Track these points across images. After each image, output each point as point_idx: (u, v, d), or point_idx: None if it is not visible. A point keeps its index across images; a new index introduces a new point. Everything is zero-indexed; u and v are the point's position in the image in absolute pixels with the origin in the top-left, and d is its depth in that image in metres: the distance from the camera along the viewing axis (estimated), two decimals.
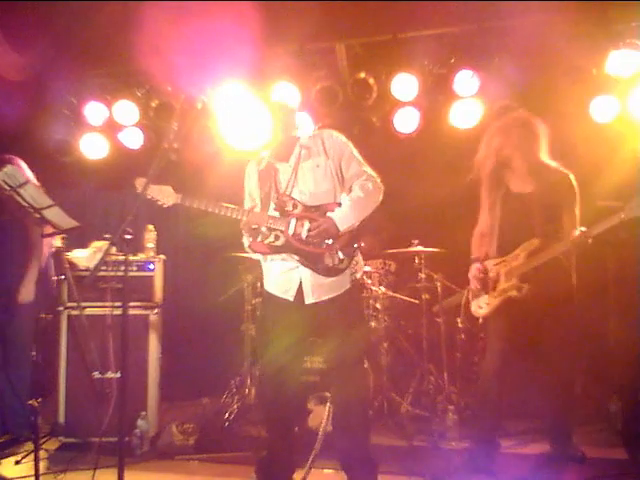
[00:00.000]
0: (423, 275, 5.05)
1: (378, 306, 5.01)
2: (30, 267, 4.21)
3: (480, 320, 3.89)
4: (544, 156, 3.73)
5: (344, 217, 3.28)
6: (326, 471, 3.76)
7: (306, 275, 3.31)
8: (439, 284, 5.00)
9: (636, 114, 4.76)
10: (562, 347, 3.65)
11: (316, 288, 3.30)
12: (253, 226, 3.37)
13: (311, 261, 3.31)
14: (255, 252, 3.49)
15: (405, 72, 5.09)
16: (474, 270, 3.88)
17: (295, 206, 3.37)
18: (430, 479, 3.56)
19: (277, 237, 3.37)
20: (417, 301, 5.05)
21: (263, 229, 3.37)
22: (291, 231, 3.34)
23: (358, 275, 3.39)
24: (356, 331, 3.35)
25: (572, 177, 3.68)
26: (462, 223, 5.43)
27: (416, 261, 5.13)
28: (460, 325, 4.93)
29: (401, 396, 4.84)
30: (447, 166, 5.39)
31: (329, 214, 3.29)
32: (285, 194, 3.40)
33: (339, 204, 3.35)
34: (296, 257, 3.32)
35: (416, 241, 5.05)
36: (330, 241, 3.29)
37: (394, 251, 5.13)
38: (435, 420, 4.55)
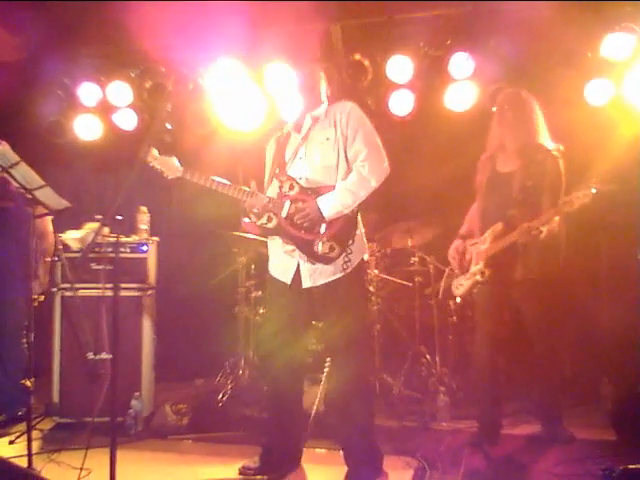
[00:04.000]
0: (416, 258, 5.07)
1: (371, 289, 5.02)
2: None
3: (458, 300, 3.99)
4: (539, 136, 3.70)
5: (329, 203, 3.21)
6: (318, 450, 3.79)
7: (303, 259, 3.29)
8: (432, 267, 5.02)
9: (631, 97, 4.75)
10: (543, 329, 3.70)
11: (312, 272, 3.28)
12: (254, 209, 3.35)
13: (301, 246, 3.27)
14: (248, 232, 3.49)
15: (400, 54, 5.06)
16: (453, 245, 3.96)
17: (292, 187, 3.30)
18: (421, 459, 3.59)
19: (270, 219, 3.33)
20: (410, 284, 5.07)
21: (255, 210, 3.34)
22: (284, 214, 3.30)
23: (353, 264, 3.28)
24: (353, 316, 3.31)
25: (561, 162, 3.66)
26: (457, 206, 5.45)
27: (409, 244, 5.13)
28: (452, 307, 4.96)
29: (393, 377, 4.87)
30: (442, 149, 5.40)
31: (317, 199, 3.24)
32: (282, 173, 3.35)
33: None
34: (287, 242, 3.30)
35: (410, 224, 5.06)
36: (322, 228, 3.24)
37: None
38: (426, 401, 4.59)
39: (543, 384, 3.84)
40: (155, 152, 3.36)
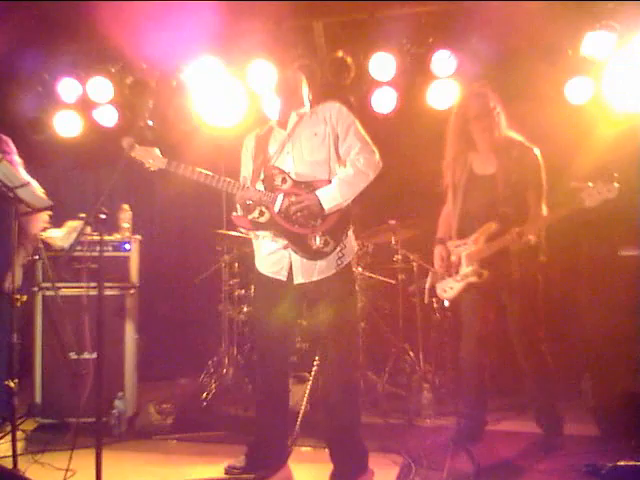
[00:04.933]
0: (399, 256, 5.08)
1: (355, 287, 5.03)
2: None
3: (446, 303, 3.90)
4: (505, 129, 3.67)
5: (329, 195, 3.20)
6: (304, 449, 3.79)
7: (296, 254, 3.27)
8: (415, 265, 5.04)
9: (610, 96, 4.80)
10: (528, 328, 3.65)
11: (305, 268, 3.26)
12: (247, 202, 3.31)
13: (294, 241, 3.24)
14: (238, 226, 3.47)
15: (383, 51, 5.07)
16: (436, 252, 3.89)
17: (284, 180, 3.28)
18: (406, 455, 3.61)
19: (262, 213, 3.29)
20: (394, 281, 5.09)
21: (249, 202, 3.30)
22: (277, 208, 3.26)
23: (346, 260, 3.29)
24: (343, 314, 3.31)
25: (537, 151, 3.64)
26: (439, 204, 5.48)
27: (392, 242, 5.15)
28: (435, 305, 4.99)
29: (377, 375, 4.89)
30: (424, 147, 5.40)
31: (316, 192, 3.22)
32: (274, 166, 3.32)
33: (330, 182, 3.26)
34: (279, 236, 3.28)
35: (393, 221, 5.07)
36: (318, 222, 3.22)
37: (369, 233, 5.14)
38: (410, 398, 4.61)
39: (535, 392, 3.77)
40: (134, 142, 3.19)
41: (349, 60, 5.16)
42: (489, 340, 3.79)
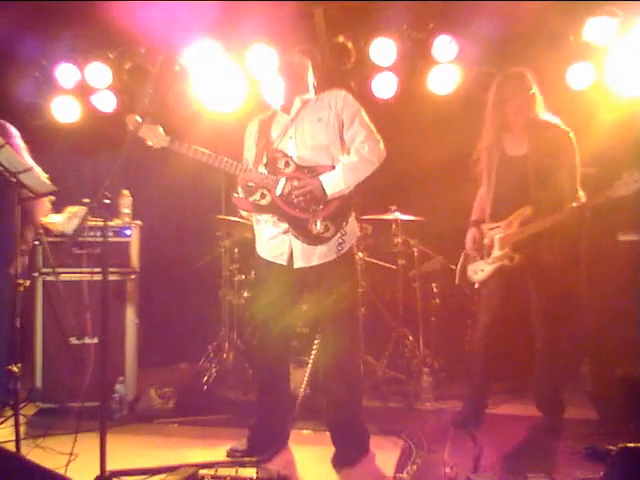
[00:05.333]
0: (399, 240, 5.08)
1: (357, 272, 5.03)
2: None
3: (476, 285, 3.87)
4: (542, 111, 3.63)
5: (333, 180, 3.21)
6: (305, 432, 3.82)
7: (297, 239, 3.27)
8: (415, 250, 5.04)
9: (611, 82, 4.79)
10: (550, 318, 3.64)
11: (306, 253, 3.27)
12: (249, 184, 3.31)
13: (294, 226, 3.25)
14: (239, 208, 3.46)
15: (384, 36, 5.05)
16: (470, 234, 3.87)
17: (287, 164, 3.28)
18: (406, 438, 3.63)
19: (263, 195, 3.29)
20: (394, 266, 5.09)
21: (250, 184, 3.29)
22: (279, 191, 3.26)
23: (347, 246, 3.30)
24: (344, 299, 3.31)
25: (572, 134, 3.58)
26: (439, 189, 5.48)
27: (393, 227, 5.15)
28: (435, 290, 5.01)
29: (377, 359, 4.91)
30: (425, 132, 5.42)
31: (319, 177, 3.22)
32: (277, 149, 3.32)
33: (334, 167, 3.26)
34: (279, 220, 3.27)
35: (394, 207, 5.07)
36: (319, 207, 3.23)
37: (370, 217, 5.13)
38: (410, 382, 4.64)
39: (544, 376, 3.72)
40: (138, 119, 3.15)
41: (350, 45, 5.13)
42: (497, 327, 3.79)
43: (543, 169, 3.55)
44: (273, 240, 3.37)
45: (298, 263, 3.28)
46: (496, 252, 3.69)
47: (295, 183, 3.25)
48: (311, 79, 3.51)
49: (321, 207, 3.24)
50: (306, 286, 3.42)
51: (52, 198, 4.20)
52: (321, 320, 3.45)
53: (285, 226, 3.29)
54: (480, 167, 3.87)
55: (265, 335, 3.51)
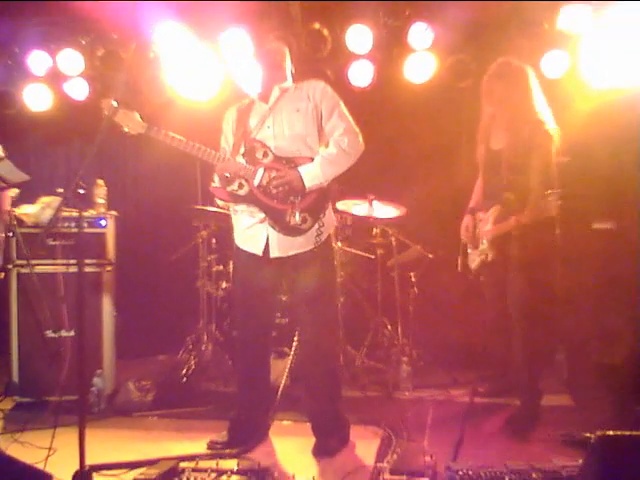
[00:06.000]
0: (378, 230, 5.09)
1: (334, 261, 5.03)
2: None
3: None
4: (530, 109, 3.54)
5: (312, 173, 3.20)
6: (285, 423, 3.83)
7: (274, 229, 3.26)
8: (393, 239, 5.05)
9: (585, 71, 4.82)
10: (523, 313, 3.62)
11: (282, 243, 3.26)
12: (226, 174, 3.28)
13: (272, 216, 3.24)
14: (216, 197, 3.44)
15: (359, 24, 5.02)
16: (464, 221, 3.93)
17: (266, 154, 3.26)
18: (386, 428, 3.66)
19: (241, 185, 3.28)
20: (373, 256, 5.10)
21: (227, 175, 3.27)
22: (257, 182, 3.25)
23: (324, 236, 3.31)
24: (322, 289, 3.32)
25: (553, 132, 3.50)
26: (417, 177, 5.50)
27: (370, 215, 5.14)
28: (413, 279, 5.03)
29: (356, 349, 4.93)
30: (401, 120, 5.42)
31: (298, 168, 3.21)
32: (256, 139, 3.30)
33: (312, 159, 3.25)
34: (257, 210, 3.26)
35: (372, 196, 5.06)
36: (298, 198, 3.22)
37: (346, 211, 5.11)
38: (389, 371, 4.65)
39: (521, 365, 3.71)
40: (114, 103, 3.05)
41: (325, 32, 5.09)
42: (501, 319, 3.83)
43: (515, 167, 3.53)
44: (249, 230, 3.35)
45: (274, 253, 3.28)
46: (481, 245, 3.74)
47: (274, 174, 3.23)
48: (289, 67, 3.48)
49: (299, 199, 3.23)
50: (283, 276, 3.41)
51: (14, 190, 4.12)
52: (299, 309, 3.45)
53: (262, 216, 3.28)
54: (478, 155, 3.89)
55: (244, 326, 3.50)
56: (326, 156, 3.26)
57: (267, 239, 3.29)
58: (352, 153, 3.29)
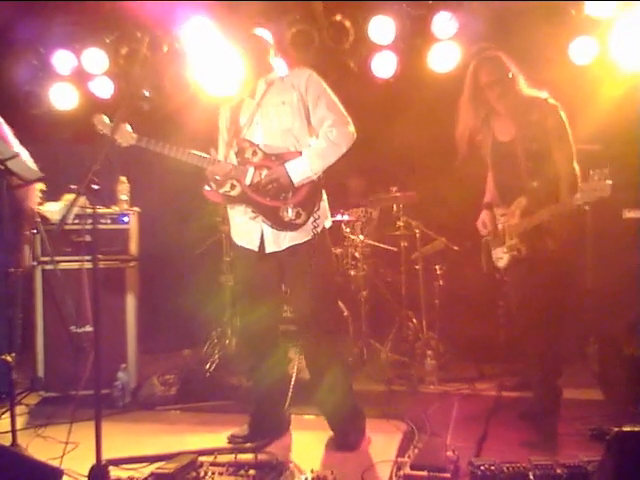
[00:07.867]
0: (401, 223, 5.03)
1: (357, 255, 4.99)
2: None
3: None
4: (525, 89, 3.41)
5: (299, 168, 3.16)
6: (306, 417, 3.80)
7: (268, 225, 3.24)
8: (418, 232, 4.99)
9: (615, 56, 4.69)
10: (542, 305, 3.43)
11: (276, 237, 3.24)
12: (216, 176, 3.28)
13: (266, 214, 3.22)
14: (210, 201, 3.44)
15: (382, 14, 4.96)
16: (480, 217, 3.76)
17: (255, 153, 3.24)
18: (409, 422, 3.60)
19: (233, 186, 3.28)
20: (396, 249, 5.04)
21: (217, 178, 3.26)
22: (248, 181, 3.24)
23: (320, 228, 3.24)
24: (319, 281, 3.25)
25: (558, 109, 3.37)
26: (441, 169, 5.40)
27: (394, 209, 5.09)
28: (438, 272, 4.96)
29: (380, 343, 4.88)
30: (426, 111, 5.33)
31: (285, 164, 3.17)
32: (245, 139, 3.28)
33: (301, 153, 3.21)
34: (251, 209, 3.25)
35: (394, 188, 5.01)
36: (289, 194, 3.18)
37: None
38: (414, 365, 4.60)
39: (536, 364, 3.52)
40: (105, 119, 3.27)
41: (348, 24, 5.04)
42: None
43: (533, 155, 3.36)
44: (244, 226, 3.35)
45: (270, 248, 3.26)
46: (508, 241, 3.53)
47: (264, 172, 3.22)
48: (272, 57, 3.42)
49: (291, 194, 3.20)
50: (283, 269, 3.36)
51: (42, 186, 4.16)
52: (297, 303, 3.42)
53: (254, 212, 3.27)
54: (460, 155, 3.66)
55: (248, 321, 3.47)
56: (314, 149, 3.21)
57: (262, 235, 3.27)
58: (341, 145, 3.21)
